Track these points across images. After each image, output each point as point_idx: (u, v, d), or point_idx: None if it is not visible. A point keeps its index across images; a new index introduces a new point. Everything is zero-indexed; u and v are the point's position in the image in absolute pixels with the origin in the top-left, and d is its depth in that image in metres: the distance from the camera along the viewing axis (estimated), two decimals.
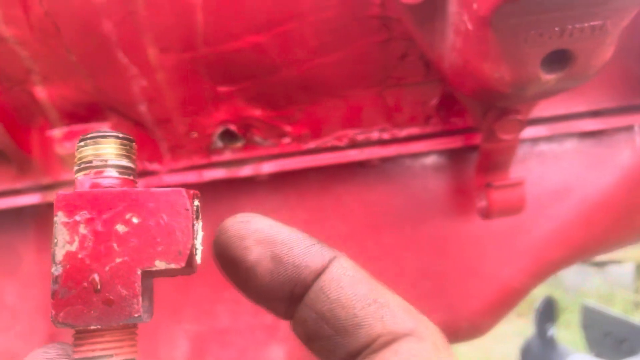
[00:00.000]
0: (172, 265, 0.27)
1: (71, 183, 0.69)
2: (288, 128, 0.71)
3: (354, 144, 0.72)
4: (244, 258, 0.27)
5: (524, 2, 0.41)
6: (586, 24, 0.43)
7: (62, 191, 0.27)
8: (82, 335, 0.27)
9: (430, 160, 0.75)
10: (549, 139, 0.74)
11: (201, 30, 0.61)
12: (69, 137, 0.69)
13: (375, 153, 0.72)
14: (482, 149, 0.65)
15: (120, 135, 0.29)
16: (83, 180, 0.29)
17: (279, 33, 0.62)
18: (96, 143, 0.29)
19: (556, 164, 0.75)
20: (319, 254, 0.27)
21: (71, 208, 0.27)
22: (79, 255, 0.27)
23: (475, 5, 0.44)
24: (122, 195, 0.28)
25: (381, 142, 0.72)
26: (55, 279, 0.26)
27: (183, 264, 0.27)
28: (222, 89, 0.67)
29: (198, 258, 0.29)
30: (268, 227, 0.28)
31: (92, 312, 0.26)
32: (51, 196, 0.71)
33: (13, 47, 0.62)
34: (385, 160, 0.73)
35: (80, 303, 0.26)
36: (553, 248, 0.75)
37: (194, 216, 0.28)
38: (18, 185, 0.71)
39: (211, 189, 0.73)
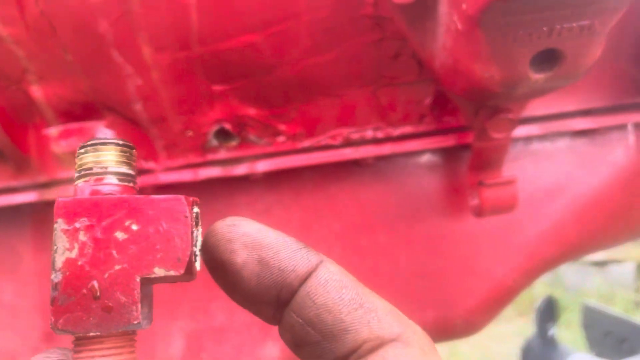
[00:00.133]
0: (171, 272, 0.27)
1: (67, 181, 0.70)
2: (283, 127, 0.71)
3: (348, 143, 0.72)
4: (231, 261, 0.27)
5: (512, 2, 0.42)
6: (574, 24, 0.44)
7: (62, 198, 0.27)
8: (81, 342, 0.27)
9: (424, 158, 0.76)
10: (541, 137, 0.75)
11: (196, 30, 0.62)
12: (65, 135, 0.69)
13: (370, 152, 0.72)
14: (474, 148, 0.66)
15: (121, 142, 0.29)
16: (83, 187, 0.28)
17: (274, 32, 0.62)
18: (96, 150, 0.29)
19: (549, 162, 0.75)
20: (305, 258, 0.27)
21: (71, 215, 0.27)
22: (79, 262, 0.27)
23: (464, 5, 0.44)
24: (122, 202, 0.28)
25: (375, 141, 0.72)
26: (55, 286, 0.26)
27: (182, 271, 0.27)
28: (217, 87, 0.67)
29: (197, 265, 0.29)
30: (255, 231, 0.28)
31: (91, 318, 0.26)
32: (48, 194, 0.71)
33: (9, 47, 0.62)
34: (379, 158, 0.74)
35: (80, 310, 0.26)
36: (546, 246, 0.76)
37: (193, 223, 0.28)
38: (15, 183, 0.71)
39: (206, 187, 0.73)
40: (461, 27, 0.46)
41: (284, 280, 0.27)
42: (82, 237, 0.27)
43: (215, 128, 0.71)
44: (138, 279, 0.27)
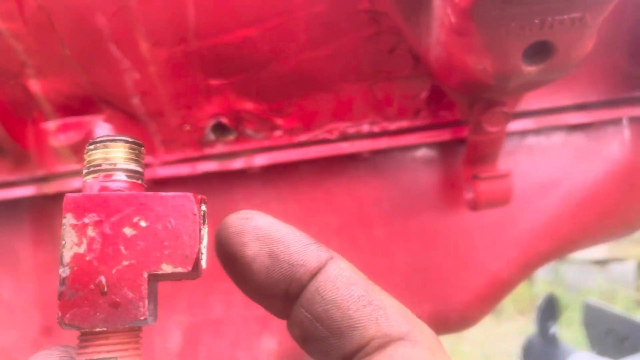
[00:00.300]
0: (179, 269, 0.27)
1: (66, 175, 0.70)
2: (279, 121, 0.72)
3: (344, 137, 0.73)
4: (242, 254, 0.27)
5: None
6: (566, 16, 0.44)
7: (70, 194, 0.28)
8: (87, 337, 0.27)
9: (420, 152, 0.76)
10: (537, 132, 0.75)
11: (193, 24, 0.62)
12: (63, 129, 0.70)
13: (366, 146, 0.73)
14: (469, 141, 0.66)
15: (130, 139, 0.30)
16: (92, 183, 0.29)
17: (270, 27, 0.63)
18: (106, 147, 0.29)
19: (544, 156, 0.76)
20: (315, 253, 0.27)
21: (80, 210, 0.27)
22: (87, 258, 0.27)
23: None
24: (131, 198, 0.28)
25: (372, 135, 0.73)
26: (63, 281, 0.27)
27: (189, 268, 0.27)
28: (214, 82, 0.67)
29: (203, 262, 0.29)
30: (267, 225, 0.28)
31: (98, 314, 0.26)
32: (47, 188, 0.72)
33: (7, 41, 0.63)
34: (375, 153, 0.74)
35: (87, 305, 0.26)
36: (542, 240, 0.76)
37: (201, 220, 0.29)
38: (13, 177, 0.72)
39: (204, 181, 0.74)
40: (454, 20, 0.47)
41: (293, 274, 0.27)
42: (90, 232, 0.27)
43: (212, 122, 0.71)
44: (146, 275, 0.27)
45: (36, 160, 0.71)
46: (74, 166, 0.71)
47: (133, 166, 0.30)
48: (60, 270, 0.27)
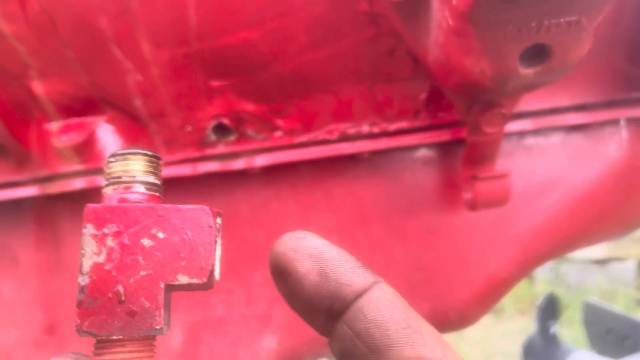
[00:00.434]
0: (195, 280, 0.28)
1: (68, 175, 0.71)
2: (280, 122, 0.72)
3: (344, 138, 0.73)
4: (294, 269, 0.29)
5: None
6: (562, 19, 0.45)
7: (91, 204, 0.28)
8: (103, 345, 0.28)
9: (419, 153, 0.77)
10: (535, 132, 0.76)
11: (194, 26, 0.63)
12: (65, 130, 0.70)
13: (366, 146, 0.73)
14: (468, 142, 0.67)
15: (149, 153, 0.30)
16: (112, 195, 0.30)
17: (271, 29, 0.63)
18: (125, 159, 0.30)
19: (543, 157, 0.76)
20: (362, 275, 0.28)
21: (100, 221, 0.28)
22: (106, 267, 0.28)
23: (455, 1, 0.45)
24: (149, 210, 0.29)
25: (371, 136, 0.73)
26: (82, 289, 0.27)
27: (205, 279, 0.28)
28: (215, 83, 0.68)
29: (217, 274, 0.30)
30: (320, 245, 0.29)
31: (115, 322, 0.27)
32: (49, 188, 0.72)
33: (11, 43, 0.63)
34: (375, 153, 0.75)
35: (105, 313, 0.27)
36: (540, 240, 0.77)
37: (217, 233, 0.30)
38: (16, 177, 0.72)
39: (205, 181, 0.74)
40: (452, 23, 0.47)
41: (339, 292, 0.28)
42: (110, 242, 0.28)
43: (213, 123, 0.72)
44: (162, 285, 0.28)
45: (39, 161, 0.72)
46: (76, 167, 0.72)
47: (151, 179, 0.30)
48: (80, 279, 0.28)
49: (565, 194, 0.76)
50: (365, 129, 0.73)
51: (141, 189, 0.30)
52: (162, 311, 0.28)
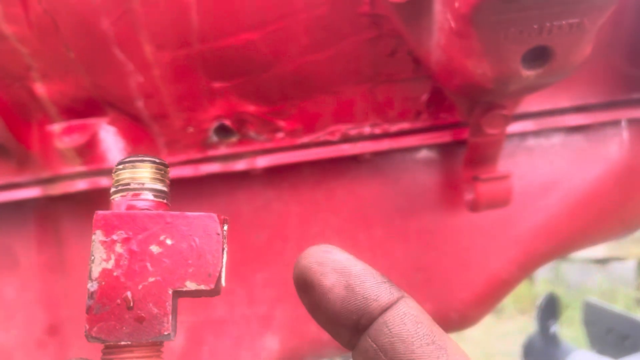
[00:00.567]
0: (202, 287, 0.28)
1: (70, 177, 0.71)
2: (282, 123, 0.72)
3: (346, 139, 0.73)
4: (320, 283, 0.29)
5: (503, 0, 0.43)
6: (564, 22, 0.45)
7: (101, 211, 0.29)
8: (111, 350, 0.28)
9: (421, 154, 0.77)
10: (536, 133, 0.76)
11: (196, 28, 0.63)
12: (68, 132, 0.70)
13: (367, 147, 0.73)
14: (469, 143, 0.67)
15: (157, 160, 0.31)
16: (120, 202, 0.30)
17: (272, 30, 0.64)
18: (134, 167, 0.30)
19: (544, 158, 0.77)
20: (388, 291, 0.28)
21: (109, 227, 0.28)
22: (115, 273, 0.28)
23: (457, 4, 0.45)
24: (158, 217, 0.29)
25: (373, 137, 0.74)
26: (91, 295, 0.28)
27: (212, 286, 0.29)
28: (217, 84, 0.68)
29: (223, 281, 0.30)
30: (345, 260, 0.29)
31: (124, 328, 0.27)
32: (51, 189, 0.72)
33: (13, 45, 0.63)
34: (376, 154, 0.75)
35: (113, 319, 0.27)
36: (541, 240, 0.77)
37: (224, 240, 0.30)
38: (18, 179, 0.73)
39: (207, 182, 0.75)
40: (454, 25, 0.47)
41: (366, 307, 0.28)
42: (118, 249, 0.28)
43: (215, 124, 0.72)
44: (170, 292, 0.28)
45: (41, 162, 0.72)
46: (78, 168, 0.72)
47: (159, 186, 0.31)
48: (89, 285, 0.28)
49: (566, 195, 0.76)
50: (367, 130, 0.73)
51: (149, 196, 0.30)
52: (170, 317, 0.28)
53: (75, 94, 0.68)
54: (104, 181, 0.71)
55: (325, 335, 0.77)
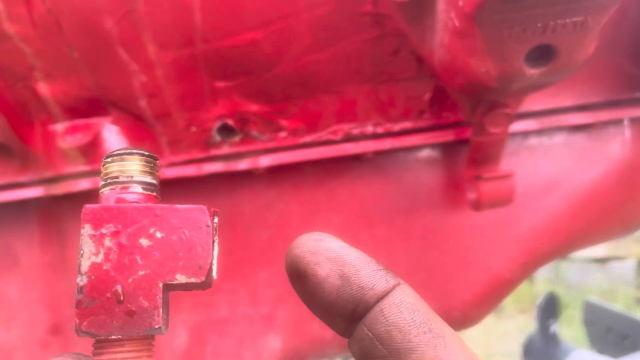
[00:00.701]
0: (193, 279, 0.28)
1: (73, 176, 0.71)
2: (284, 122, 0.72)
3: (348, 138, 0.74)
4: (314, 273, 0.28)
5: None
6: (568, 20, 0.45)
7: (89, 205, 0.28)
8: (102, 345, 0.28)
9: (423, 153, 0.77)
10: (539, 132, 0.76)
11: (199, 28, 0.63)
12: (71, 131, 0.70)
13: (370, 147, 0.73)
14: (472, 142, 0.67)
15: (146, 153, 0.31)
16: (109, 195, 0.30)
17: (275, 30, 0.64)
18: (122, 160, 0.30)
19: (546, 157, 0.77)
20: (383, 279, 0.28)
21: (98, 221, 0.28)
22: (104, 267, 0.28)
23: (460, 3, 0.45)
24: (147, 210, 0.29)
25: (375, 136, 0.74)
26: (80, 289, 0.27)
27: (203, 278, 0.28)
28: (220, 84, 0.68)
29: (214, 273, 0.30)
30: (339, 248, 0.29)
31: (114, 322, 0.27)
32: (54, 189, 0.72)
33: (16, 44, 0.64)
34: (379, 153, 0.75)
35: (103, 313, 0.27)
36: (543, 239, 0.77)
37: (215, 232, 0.30)
38: (21, 178, 0.73)
39: (209, 182, 0.75)
40: (458, 23, 0.47)
41: (362, 296, 0.28)
42: (107, 242, 0.28)
43: (218, 124, 0.72)
44: (161, 285, 0.28)
45: (44, 162, 0.72)
46: (81, 168, 0.72)
47: (148, 179, 0.31)
48: (78, 279, 0.28)
49: (568, 194, 0.76)
50: (369, 129, 0.73)
51: (138, 189, 0.30)
52: (161, 311, 0.28)
53: (79, 93, 0.69)
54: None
55: (327, 335, 0.77)
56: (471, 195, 0.70)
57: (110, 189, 0.30)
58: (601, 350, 1.90)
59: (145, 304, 0.28)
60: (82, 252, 0.28)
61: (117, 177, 0.30)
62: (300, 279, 0.29)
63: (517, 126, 0.73)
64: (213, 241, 0.29)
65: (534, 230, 0.76)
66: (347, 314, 0.28)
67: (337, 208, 0.77)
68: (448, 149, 0.76)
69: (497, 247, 0.76)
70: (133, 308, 0.28)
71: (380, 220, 0.77)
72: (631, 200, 0.80)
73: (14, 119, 0.68)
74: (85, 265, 0.28)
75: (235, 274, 0.77)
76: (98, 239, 0.28)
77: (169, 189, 0.74)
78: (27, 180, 0.73)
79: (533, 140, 0.77)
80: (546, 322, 2.00)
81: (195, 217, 0.29)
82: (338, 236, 0.29)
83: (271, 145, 0.73)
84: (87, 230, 0.28)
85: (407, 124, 0.74)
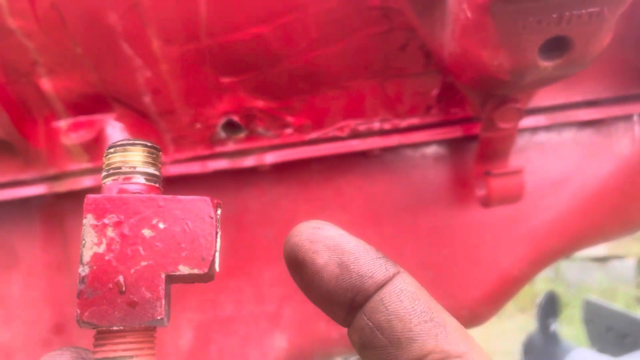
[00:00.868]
0: (195, 271, 0.28)
1: (77, 173, 0.70)
2: (290, 119, 0.72)
3: (355, 134, 0.73)
4: (312, 261, 0.28)
5: None
6: (584, 11, 0.44)
7: (91, 195, 0.28)
8: (104, 336, 0.27)
9: (431, 150, 0.76)
10: (547, 128, 0.75)
11: (204, 22, 0.62)
12: (74, 128, 0.70)
13: (377, 143, 0.73)
14: (481, 138, 0.66)
15: (148, 144, 0.30)
16: (111, 186, 0.29)
17: (281, 24, 0.63)
18: (125, 150, 0.30)
19: (555, 153, 0.76)
20: (383, 267, 0.28)
21: (100, 211, 0.28)
22: (106, 257, 0.28)
23: None
24: (150, 201, 0.29)
25: (382, 132, 0.73)
26: (82, 279, 0.27)
27: (206, 270, 0.28)
28: (225, 80, 0.67)
29: (217, 265, 0.29)
30: (338, 236, 0.29)
31: (116, 312, 0.27)
32: (57, 187, 0.71)
33: (19, 39, 0.63)
34: (386, 150, 0.74)
35: (105, 303, 0.27)
36: (552, 236, 0.76)
37: (218, 224, 0.29)
38: (24, 176, 0.72)
39: (214, 179, 0.74)
40: (471, 15, 0.47)
41: (361, 285, 0.27)
42: (110, 233, 0.28)
43: (223, 120, 0.71)
44: (163, 276, 0.28)
45: (47, 159, 0.71)
46: (85, 165, 0.71)
47: (151, 170, 0.30)
48: (80, 269, 0.27)
49: (578, 190, 0.75)
50: (376, 125, 0.73)
51: (141, 179, 0.30)
52: (163, 302, 0.27)
53: (82, 89, 0.68)
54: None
55: (334, 334, 0.77)
56: (480, 192, 0.70)
57: (113, 180, 0.30)
58: (601, 349, 1.90)
59: (148, 294, 0.27)
60: (84, 242, 0.28)
61: (119, 168, 0.30)
62: (299, 267, 0.29)
63: (525, 122, 0.72)
64: (216, 232, 0.29)
65: (543, 227, 0.75)
66: (346, 302, 0.28)
67: (344, 205, 0.76)
68: (456, 145, 0.76)
69: (505, 244, 0.76)
70: (135, 299, 0.27)
71: (387, 217, 0.76)
72: None
73: (16, 115, 0.67)
74: (87, 255, 0.28)
75: (241, 272, 0.76)
76: (100, 229, 0.28)
77: (173, 187, 0.73)
78: (30, 178, 0.72)
79: (542, 137, 0.76)
80: (546, 321, 2.00)
81: (198, 208, 0.29)
82: None
83: (277, 141, 0.72)
84: (89, 220, 0.28)
85: (414, 120, 0.73)
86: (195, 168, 0.72)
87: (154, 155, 0.31)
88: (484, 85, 0.56)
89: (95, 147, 0.70)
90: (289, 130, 0.72)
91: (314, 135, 0.73)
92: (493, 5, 0.44)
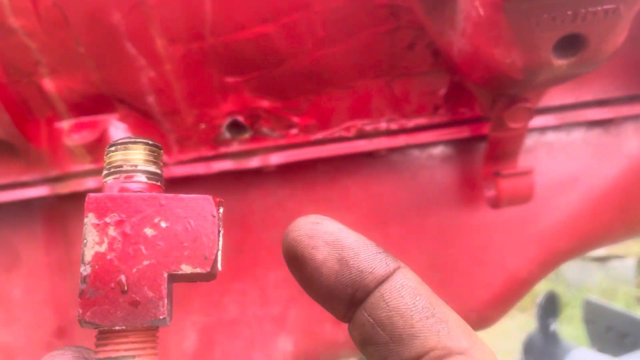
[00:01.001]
0: (198, 270, 0.28)
1: (79, 175, 0.69)
2: (296, 119, 0.71)
3: (361, 135, 0.72)
4: (312, 257, 0.28)
5: None
6: (599, 8, 0.43)
7: (93, 194, 0.28)
8: (106, 335, 0.27)
9: (438, 150, 0.75)
10: (557, 128, 0.74)
11: (209, 21, 0.61)
12: (77, 129, 0.69)
13: (383, 143, 0.72)
14: (490, 138, 0.65)
15: (150, 142, 0.30)
16: (112, 184, 0.29)
17: (287, 23, 0.62)
18: (126, 149, 0.30)
19: (564, 153, 0.75)
20: (383, 262, 0.27)
21: (102, 210, 0.28)
22: (108, 257, 0.27)
23: None
24: (152, 199, 0.28)
25: (389, 133, 0.72)
26: (84, 279, 0.27)
27: (208, 269, 0.28)
28: (230, 79, 0.66)
29: (219, 264, 0.29)
30: (337, 231, 0.28)
31: (118, 312, 0.27)
32: (60, 188, 0.70)
33: (21, 39, 0.62)
34: (392, 150, 0.73)
35: (107, 303, 0.27)
36: (561, 238, 0.75)
37: (220, 223, 0.29)
38: (26, 177, 0.71)
39: (219, 180, 0.73)
40: (483, 12, 0.46)
41: (361, 280, 0.27)
42: (111, 232, 0.28)
43: (228, 121, 0.70)
44: (165, 275, 0.28)
45: (49, 160, 0.70)
46: (88, 166, 0.70)
47: (153, 168, 0.30)
48: (82, 269, 0.27)
49: (587, 191, 0.75)
50: (383, 125, 0.72)
51: (142, 178, 0.29)
52: (166, 301, 0.27)
53: (85, 89, 0.67)
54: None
55: (340, 337, 0.76)
56: (489, 193, 0.69)
57: (114, 178, 0.29)
58: (601, 349, 1.90)
59: (150, 294, 0.27)
60: (85, 241, 0.27)
61: (120, 166, 0.29)
62: (298, 263, 0.28)
63: (534, 122, 0.71)
64: (219, 231, 0.29)
65: (552, 228, 0.74)
66: (346, 298, 0.27)
67: (350, 206, 0.75)
68: (463, 146, 0.75)
69: (514, 245, 0.75)
70: (137, 298, 0.27)
71: (394, 218, 0.75)
72: None
73: (18, 116, 0.66)
74: (88, 254, 0.27)
75: (246, 274, 0.76)
76: (102, 228, 0.27)
77: (177, 188, 0.72)
78: (32, 180, 0.71)
79: (551, 136, 0.75)
80: (546, 320, 2.00)
81: (200, 206, 0.29)
82: None
83: (282, 142, 0.71)
84: (90, 219, 0.28)
85: (421, 120, 0.72)
86: (199, 169, 0.71)
87: (156, 154, 0.30)
88: (495, 84, 0.55)
89: (98, 148, 0.69)
90: (294, 131, 0.71)
91: (319, 135, 0.72)
92: (506, 3, 0.43)
